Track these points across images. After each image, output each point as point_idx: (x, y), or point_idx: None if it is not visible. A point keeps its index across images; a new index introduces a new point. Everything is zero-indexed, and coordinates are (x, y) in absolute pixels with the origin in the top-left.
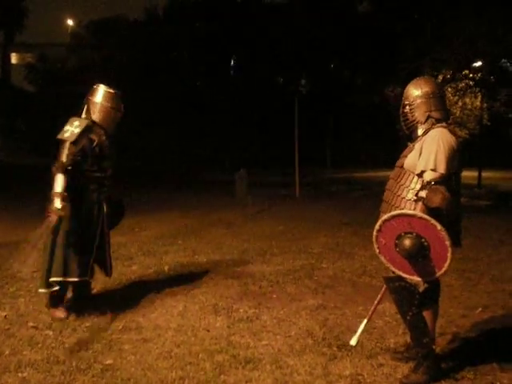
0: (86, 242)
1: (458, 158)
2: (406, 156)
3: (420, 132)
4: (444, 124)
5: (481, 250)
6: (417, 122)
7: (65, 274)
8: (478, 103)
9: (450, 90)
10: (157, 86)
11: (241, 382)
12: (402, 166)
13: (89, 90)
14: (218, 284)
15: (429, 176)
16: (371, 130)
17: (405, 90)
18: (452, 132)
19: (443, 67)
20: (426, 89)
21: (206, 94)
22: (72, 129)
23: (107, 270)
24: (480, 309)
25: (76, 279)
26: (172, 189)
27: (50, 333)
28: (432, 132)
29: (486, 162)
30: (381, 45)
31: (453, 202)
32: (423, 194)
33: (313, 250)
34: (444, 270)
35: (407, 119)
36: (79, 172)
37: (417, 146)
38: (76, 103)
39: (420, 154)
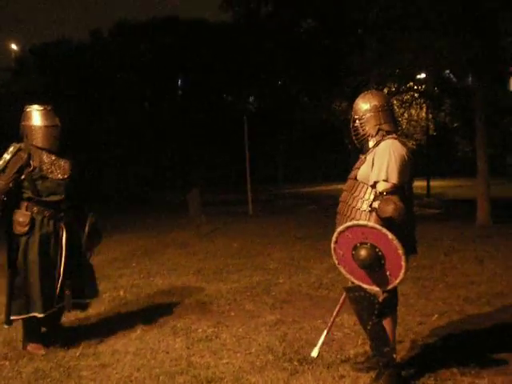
0: (46, 273)
1: (410, 167)
2: (358, 168)
3: (371, 144)
4: (394, 135)
5: (434, 257)
6: (368, 136)
7: (27, 310)
8: (424, 114)
9: (395, 102)
10: (103, 108)
11: None
12: (355, 178)
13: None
14: (175, 305)
15: (381, 187)
16: (321, 145)
17: (354, 105)
18: (402, 143)
19: (388, 80)
20: (375, 102)
21: (155, 115)
22: (5, 156)
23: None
24: (436, 315)
25: (40, 314)
26: (123, 210)
27: (7, 363)
28: (383, 143)
29: (433, 171)
30: (326, 60)
31: (405, 211)
32: (376, 204)
33: (269, 266)
34: (400, 278)
35: (358, 133)
36: (25, 201)
37: (368, 157)
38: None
39: (372, 166)
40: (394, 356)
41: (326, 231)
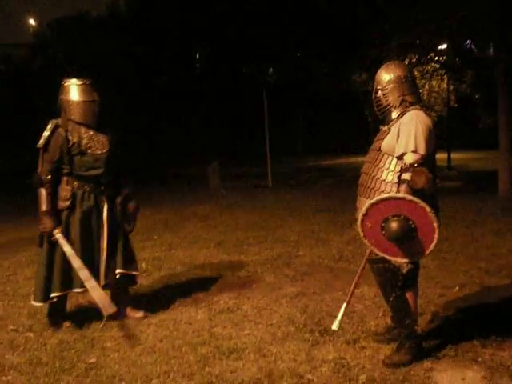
0: (88, 248)
1: (435, 138)
2: (381, 139)
3: (394, 115)
4: (418, 106)
5: (455, 229)
6: (390, 107)
7: (67, 286)
8: (445, 86)
9: (416, 73)
10: (121, 82)
11: (226, 373)
12: (378, 149)
13: (58, 89)
14: (196, 277)
15: (410, 158)
16: (340, 118)
17: (376, 75)
18: (427, 113)
19: (409, 51)
20: (398, 73)
21: (173, 89)
22: (44, 134)
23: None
24: (457, 288)
25: (80, 289)
26: (144, 184)
27: (31, 335)
28: (408, 114)
29: (454, 143)
30: (345, 31)
31: (434, 182)
32: (407, 176)
33: (289, 239)
34: (430, 250)
35: (380, 104)
36: (66, 176)
37: (393, 128)
38: (44, 104)
39: (398, 137)
40: (416, 328)
41: (345, 204)
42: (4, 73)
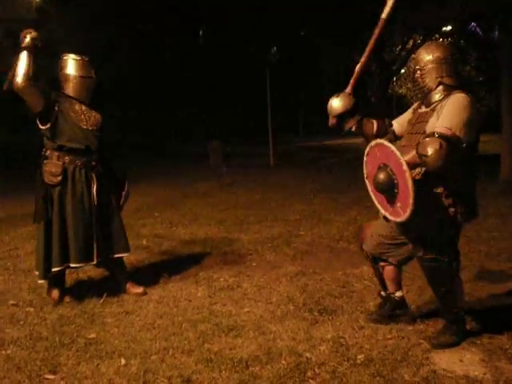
0: (82, 223)
1: (478, 126)
2: (425, 121)
3: (438, 96)
4: (462, 90)
5: None
6: (426, 88)
7: (65, 260)
8: None
9: None
10: (122, 59)
11: (225, 350)
12: (422, 132)
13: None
14: (196, 254)
15: (439, 129)
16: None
17: (416, 55)
18: (473, 98)
19: (413, 32)
20: (438, 54)
21: (175, 66)
22: None
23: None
24: None
25: (77, 265)
26: (146, 162)
27: (31, 310)
28: (454, 96)
29: None
30: (349, 9)
31: (448, 162)
32: (424, 139)
33: (289, 218)
34: (405, 216)
35: (418, 84)
36: (56, 151)
37: (438, 108)
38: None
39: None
40: (463, 314)
41: (347, 184)
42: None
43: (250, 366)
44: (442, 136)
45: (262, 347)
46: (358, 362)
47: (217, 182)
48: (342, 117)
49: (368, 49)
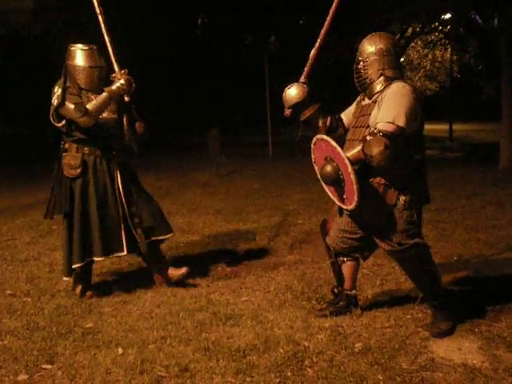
0: (106, 215)
1: (420, 114)
2: (367, 114)
3: (379, 87)
4: (403, 79)
5: (454, 200)
6: (368, 80)
7: (87, 255)
8: (448, 56)
9: (419, 42)
10: (121, 49)
11: (222, 339)
12: (367, 126)
13: (65, 53)
14: (194, 244)
15: (382, 126)
16: (342, 87)
17: (359, 45)
18: (413, 87)
19: (413, 20)
20: (381, 46)
21: (173, 56)
22: (56, 92)
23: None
24: (455, 258)
25: (99, 258)
26: (144, 151)
27: (29, 300)
28: (393, 86)
29: (456, 114)
30: None
31: (390, 161)
32: (368, 138)
33: (288, 207)
34: (351, 207)
35: (360, 76)
36: (75, 143)
37: (378, 100)
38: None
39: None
40: (448, 296)
41: None
42: (3, 37)
43: (247, 355)
44: (385, 134)
45: (260, 336)
46: (356, 350)
47: (215, 172)
48: (297, 107)
49: (323, 32)
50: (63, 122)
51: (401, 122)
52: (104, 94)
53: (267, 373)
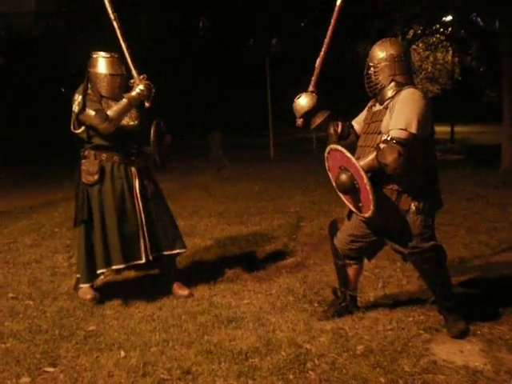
0: (124, 221)
1: (431, 119)
2: (379, 120)
3: (390, 93)
4: (413, 85)
5: (456, 203)
6: (380, 85)
7: (108, 263)
8: (450, 58)
9: (421, 45)
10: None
11: (224, 341)
12: (379, 132)
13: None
14: (196, 246)
15: (395, 133)
16: (344, 89)
17: (370, 51)
18: (424, 92)
19: (414, 22)
20: (392, 51)
21: (175, 58)
22: (76, 99)
23: (144, 253)
24: (457, 260)
25: (120, 266)
26: (167, 164)
27: (31, 303)
28: (404, 92)
29: (458, 116)
30: (351, 1)
31: (404, 167)
32: (382, 145)
33: (290, 210)
34: (367, 215)
35: (371, 81)
36: (93, 150)
37: (390, 106)
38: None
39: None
40: (458, 297)
41: None
42: (4, 40)
43: (249, 358)
44: (399, 142)
45: (262, 339)
46: (358, 352)
47: (217, 174)
48: (309, 116)
49: (326, 41)
50: (83, 128)
51: (413, 129)
52: (124, 100)
53: (269, 375)
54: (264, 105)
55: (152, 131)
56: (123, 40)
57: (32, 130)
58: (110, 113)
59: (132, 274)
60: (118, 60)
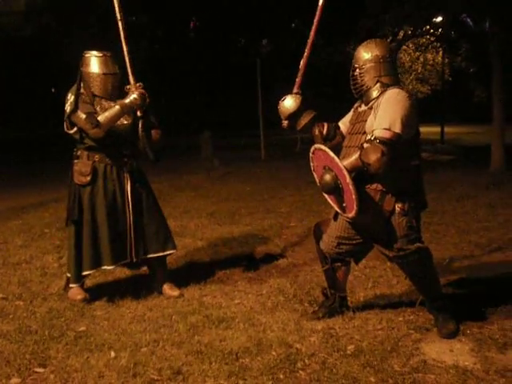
0: (115, 223)
1: (416, 119)
2: (364, 120)
3: (375, 94)
4: (398, 86)
5: (446, 203)
6: (365, 87)
7: (97, 263)
8: (440, 59)
9: (411, 45)
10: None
11: (215, 342)
12: (363, 132)
13: (79, 60)
14: (187, 246)
15: (379, 132)
16: (334, 90)
17: (355, 52)
18: (408, 93)
19: (404, 23)
20: (377, 52)
21: (166, 58)
22: (69, 99)
23: (133, 253)
24: (447, 260)
25: (110, 267)
26: (162, 158)
27: (21, 303)
28: (389, 92)
29: (448, 117)
30: (340, 1)
31: (387, 167)
32: (366, 145)
33: (281, 210)
34: (351, 216)
35: (356, 83)
36: (86, 151)
37: (375, 106)
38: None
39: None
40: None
41: None
42: None
43: (240, 358)
44: (382, 141)
45: (252, 339)
46: (348, 352)
47: (208, 175)
48: (294, 117)
49: (310, 41)
50: (75, 128)
51: (397, 129)
52: (116, 107)
53: (260, 375)
54: (255, 105)
55: (140, 125)
56: (125, 43)
57: (22, 130)
58: (100, 119)
59: (122, 274)
60: (110, 58)
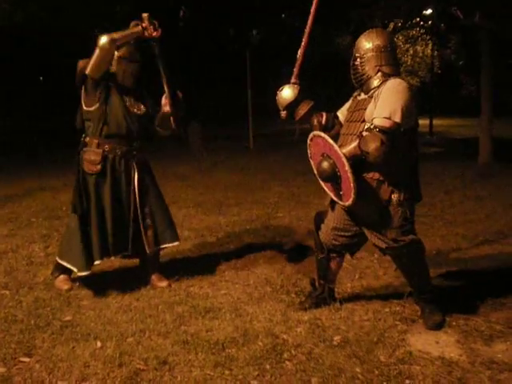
0: (119, 214)
1: (416, 110)
2: (363, 109)
3: (376, 83)
4: (400, 76)
5: (434, 195)
6: (366, 76)
7: (106, 253)
8: (429, 51)
9: (401, 37)
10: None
11: (201, 332)
12: (362, 120)
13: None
14: None
15: (379, 121)
16: (326, 79)
17: (356, 42)
18: (408, 83)
19: (395, 15)
20: (378, 42)
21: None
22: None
23: (146, 246)
24: (434, 252)
25: (116, 257)
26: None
27: (7, 292)
28: (390, 82)
29: (437, 109)
30: None
31: (386, 156)
32: (364, 133)
33: (268, 200)
34: (347, 204)
35: (357, 72)
36: (96, 139)
37: (375, 95)
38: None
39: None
40: (435, 290)
41: None
42: None
43: (226, 348)
44: (382, 130)
45: (239, 329)
46: (334, 343)
47: (196, 165)
48: (292, 107)
49: (307, 32)
50: (97, 104)
51: (397, 118)
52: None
53: (246, 366)
54: (244, 95)
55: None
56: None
57: (12, 119)
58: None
59: (109, 264)
60: (133, 46)
